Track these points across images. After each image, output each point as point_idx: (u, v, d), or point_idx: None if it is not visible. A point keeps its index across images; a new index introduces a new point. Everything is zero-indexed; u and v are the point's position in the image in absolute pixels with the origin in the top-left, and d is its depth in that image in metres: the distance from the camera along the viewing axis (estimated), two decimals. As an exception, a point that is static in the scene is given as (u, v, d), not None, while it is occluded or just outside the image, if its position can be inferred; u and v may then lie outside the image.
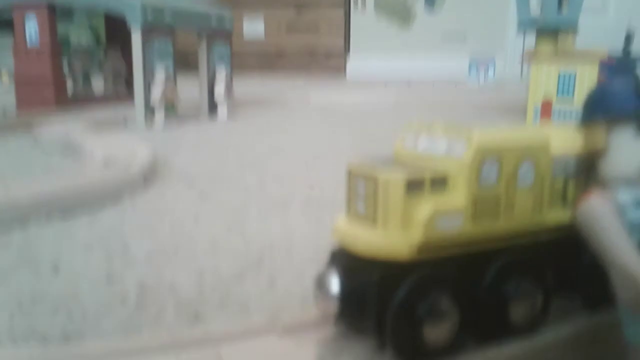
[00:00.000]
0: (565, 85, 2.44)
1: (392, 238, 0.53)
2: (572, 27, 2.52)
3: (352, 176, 0.57)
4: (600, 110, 0.58)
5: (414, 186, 0.53)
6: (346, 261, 0.57)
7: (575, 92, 2.44)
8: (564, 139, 0.62)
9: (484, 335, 0.58)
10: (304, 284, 0.79)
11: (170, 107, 2.51)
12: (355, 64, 6.15)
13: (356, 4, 6.16)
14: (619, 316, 0.54)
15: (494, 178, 0.56)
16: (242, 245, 1.00)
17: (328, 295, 0.57)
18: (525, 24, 2.61)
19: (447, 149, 0.57)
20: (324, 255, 0.61)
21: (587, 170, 0.61)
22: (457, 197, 0.54)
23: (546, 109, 2.44)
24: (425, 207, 0.53)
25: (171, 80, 2.53)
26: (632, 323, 0.53)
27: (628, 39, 3.29)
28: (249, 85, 4.46)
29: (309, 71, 6.13)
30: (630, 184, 0.56)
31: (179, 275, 0.86)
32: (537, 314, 0.60)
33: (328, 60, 6.14)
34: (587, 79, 2.41)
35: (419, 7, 6.11)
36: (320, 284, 0.59)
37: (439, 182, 0.54)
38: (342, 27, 6.10)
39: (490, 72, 4.93)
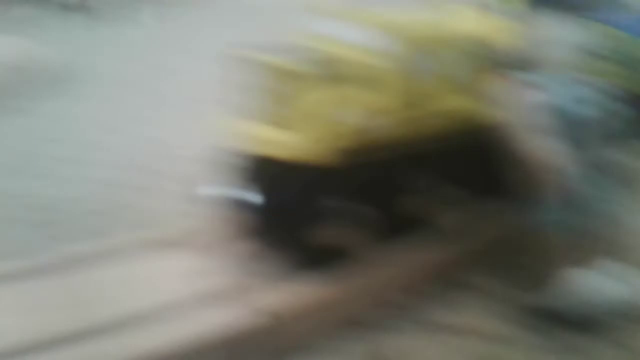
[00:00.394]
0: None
1: (314, 144, 0.48)
2: None
3: (267, 72, 0.50)
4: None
5: (335, 80, 0.48)
6: (263, 170, 0.51)
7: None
8: (496, 29, 0.58)
9: (398, 230, 0.57)
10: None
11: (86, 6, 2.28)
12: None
13: None
14: (527, 206, 0.53)
15: (424, 71, 0.51)
16: (144, 154, 0.93)
17: (245, 208, 0.52)
18: None
19: (366, 39, 0.50)
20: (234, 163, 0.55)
21: (510, 59, 0.57)
22: (386, 96, 0.50)
23: None
24: (353, 108, 0.48)
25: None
26: (545, 211, 0.52)
27: None
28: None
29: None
30: (557, 70, 0.54)
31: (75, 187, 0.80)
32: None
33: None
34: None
35: None
36: (232, 196, 0.53)
37: (362, 79, 0.49)
38: None
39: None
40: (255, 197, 0.52)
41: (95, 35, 2.15)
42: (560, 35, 0.55)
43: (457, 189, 0.63)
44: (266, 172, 0.52)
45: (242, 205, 0.52)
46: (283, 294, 0.51)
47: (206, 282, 0.52)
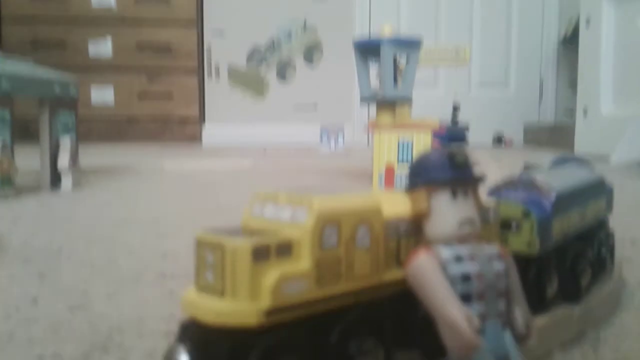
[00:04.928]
0: (404, 152, 2.67)
1: (240, 305, 0.55)
2: (407, 100, 2.79)
3: (200, 246, 0.58)
4: (421, 178, 0.66)
5: (260, 253, 0.55)
6: (195, 334, 0.57)
7: (413, 158, 2.67)
8: (395, 203, 0.68)
9: None
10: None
11: (7, 180, 2.32)
12: (211, 131, 6.18)
13: (210, 73, 6.26)
14: None
15: (334, 242, 0.60)
16: (87, 326, 0.94)
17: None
18: (366, 98, 2.84)
19: (291, 216, 0.60)
20: (176, 330, 0.61)
21: (415, 231, 0.68)
22: (302, 262, 0.58)
23: (389, 175, 2.64)
24: (272, 273, 0.55)
25: (7, 151, 2.35)
26: None
27: (455, 110, 3.71)
28: (99, 155, 4.27)
29: (162, 139, 6.04)
30: (448, 242, 0.63)
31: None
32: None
33: (183, 128, 6.10)
34: (422, 145, 2.66)
35: (272, 79, 6.36)
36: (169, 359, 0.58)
37: (285, 249, 0.57)
38: (196, 95, 6.13)
39: (340, 140, 5.22)
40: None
41: (14, 207, 2.17)
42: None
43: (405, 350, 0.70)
44: (196, 335, 0.56)
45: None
46: None
47: None
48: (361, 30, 5.97)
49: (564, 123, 6.26)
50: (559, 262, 0.92)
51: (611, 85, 4.97)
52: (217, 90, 6.28)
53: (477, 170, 0.67)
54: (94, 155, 3.89)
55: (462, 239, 0.64)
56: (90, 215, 1.99)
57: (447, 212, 0.64)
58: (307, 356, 0.58)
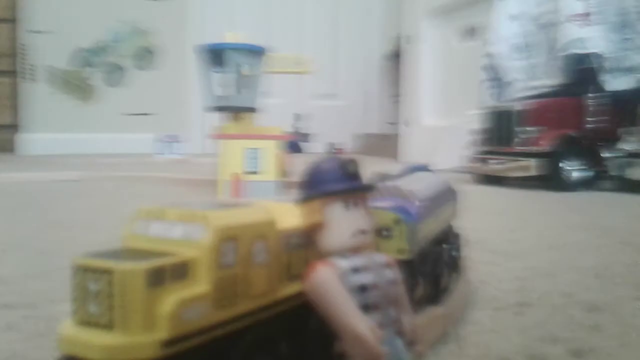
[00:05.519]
0: (251, 160, 2.65)
1: (133, 338, 0.48)
2: (252, 109, 2.78)
3: (79, 272, 0.50)
4: (315, 189, 0.64)
5: (155, 277, 0.49)
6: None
7: (260, 166, 2.67)
8: (288, 215, 0.66)
9: None
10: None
11: None
12: (28, 138, 5.58)
13: (23, 74, 5.66)
14: None
15: (232, 260, 0.56)
16: None
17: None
18: (209, 105, 2.77)
19: (183, 233, 0.55)
20: None
21: (310, 243, 0.66)
22: (200, 284, 0.53)
23: (236, 184, 2.61)
24: (169, 298, 0.50)
25: None
26: None
27: (297, 118, 3.80)
28: None
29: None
30: (342, 253, 0.62)
31: None
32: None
33: (-9, 135, 5.43)
34: (269, 153, 2.67)
35: (99, 84, 5.94)
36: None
37: (181, 270, 0.52)
38: (9, 99, 5.50)
39: (177, 148, 5.04)
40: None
41: None
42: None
43: None
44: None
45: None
46: None
47: None
48: (196, 37, 5.84)
49: (390, 133, 6.75)
50: (423, 266, 0.97)
51: (431, 98, 5.47)
52: (36, 95, 5.69)
53: (366, 179, 0.67)
54: None
55: (355, 249, 0.63)
56: None
57: (342, 223, 0.63)
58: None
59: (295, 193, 0.68)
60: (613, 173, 3.78)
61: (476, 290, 1.22)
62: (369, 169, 0.74)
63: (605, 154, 3.80)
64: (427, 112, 5.53)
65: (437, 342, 0.92)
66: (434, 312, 0.95)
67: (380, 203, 0.91)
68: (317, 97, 7.04)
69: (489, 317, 1.07)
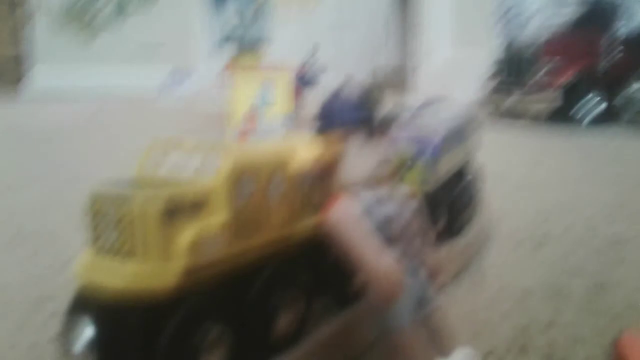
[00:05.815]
0: (266, 93, 2.60)
1: (153, 266, 0.47)
2: (266, 38, 2.71)
3: (96, 201, 0.49)
4: (336, 120, 0.61)
5: (173, 209, 0.48)
6: (99, 302, 0.48)
7: (274, 98, 2.62)
8: (306, 148, 0.64)
9: (258, 348, 0.56)
10: (25, 340, 0.66)
11: None
12: (36, 76, 5.52)
13: (29, 5, 5.54)
14: (371, 308, 0.57)
15: (251, 191, 0.54)
16: None
17: (78, 349, 0.48)
18: (223, 38, 2.70)
19: (201, 164, 0.53)
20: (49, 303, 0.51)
21: (329, 175, 0.64)
22: (218, 215, 0.51)
23: (251, 117, 2.57)
24: (189, 226, 0.48)
25: None
26: (388, 311, 0.57)
27: (314, 49, 3.71)
28: None
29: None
30: (367, 185, 0.60)
31: None
32: (301, 317, 0.61)
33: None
34: (284, 87, 2.62)
35: (109, 15, 5.82)
36: (66, 336, 0.49)
37: (199, 200, 0.50)
38: (15, 35, 5.40)
39: (190, 83, 4.97)
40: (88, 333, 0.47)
41: None
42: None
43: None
44: (100, 304, 0.48)
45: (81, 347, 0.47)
46: None
47: None
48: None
49: (409, 64, 6.58)
50: (444, 198, 0.95)
51: (449, 29, 5.29)
52: (41, 28, 5.58)
53: (387, 111, 0.64)
54: None
55: (379, 181, 0.61)
56: None
57: (364, 154, 0.61)
58: (229, 320, 0.53)
59: (311, 126, 0.65)
60: (630, 109, 3.67)
61: (498, 222, 1.20)
62: (389, 101, 0.71)
63: (623, 90, 3.69)
64: (445, 43, 5.37)
65: (458, 273, 0.91)
66: (455, 243, 0.94)
67: (401, 135, 0.88)
68: (332, 29, 6.86)
69: (511, 250, 1.05)
